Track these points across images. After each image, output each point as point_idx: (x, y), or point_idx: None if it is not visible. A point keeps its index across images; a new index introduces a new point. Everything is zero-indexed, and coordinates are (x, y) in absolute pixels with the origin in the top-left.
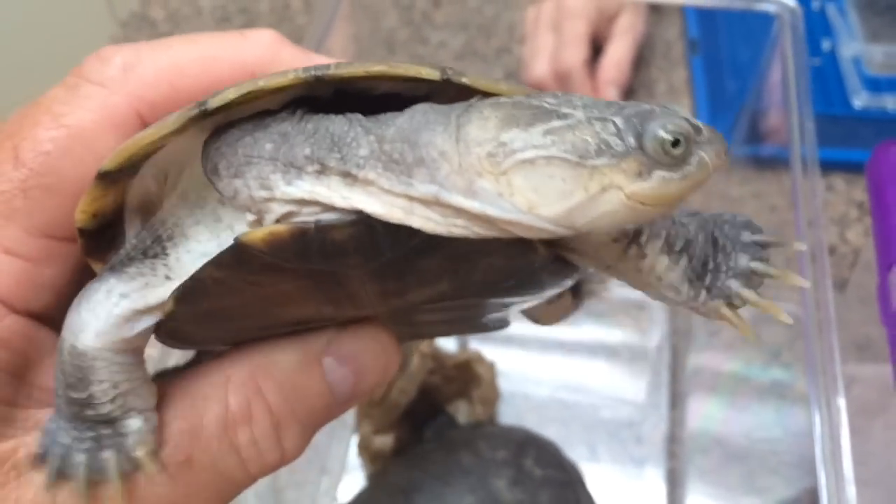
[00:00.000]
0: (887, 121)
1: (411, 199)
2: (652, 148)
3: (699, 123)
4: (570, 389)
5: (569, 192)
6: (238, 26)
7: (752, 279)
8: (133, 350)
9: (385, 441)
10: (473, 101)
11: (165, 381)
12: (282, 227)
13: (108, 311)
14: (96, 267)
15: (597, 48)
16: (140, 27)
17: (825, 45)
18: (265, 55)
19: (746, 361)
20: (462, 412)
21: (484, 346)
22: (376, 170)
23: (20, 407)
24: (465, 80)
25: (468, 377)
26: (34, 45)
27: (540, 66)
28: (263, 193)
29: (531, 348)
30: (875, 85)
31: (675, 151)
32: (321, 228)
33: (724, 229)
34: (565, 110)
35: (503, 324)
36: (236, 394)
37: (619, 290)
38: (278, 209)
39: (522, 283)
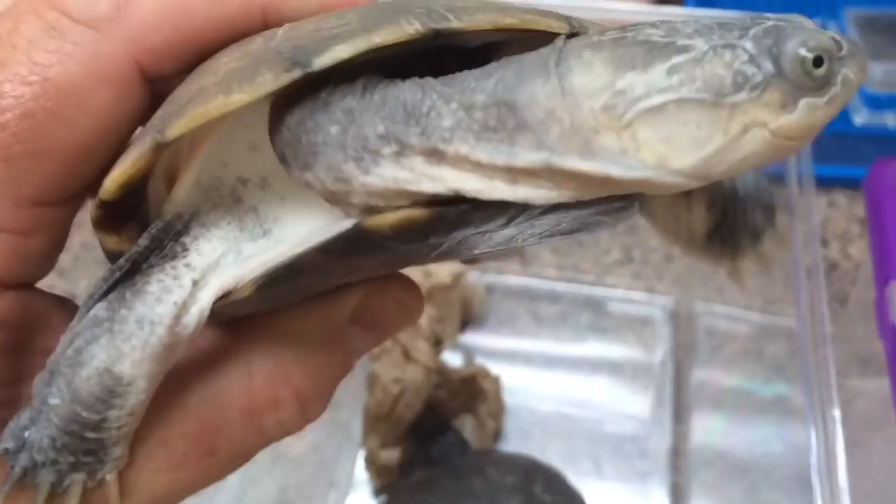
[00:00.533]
0: (888, 138)
1: (514, 170)
2: (793, 71)
3: (837, 35)
4: (574, 404)
5: (706, 137)
6: None
7: (759, 236)
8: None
9: (391, 455)
10: (559, 44)
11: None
12: (419, 213)
13: (143, 342)
14: (104, 239)
15: None
16: None
17: None
18: None
19: (749, 376)
20: (468, 427)
21: (489, 361)
22: (468, 142)
23: (25, 380)
24: (591, 31)
25: (474, 391)
26: None
27: None
28: (340, 186)
29: (536, 363)
30: (875, 103)
31: (820, 72)
32: (463, 212)
33: (748, 185)
34: (682, 42)
35: None
36: (263, 384)
37: (623, 307)
38: (360, 203)
39: (586, 230)
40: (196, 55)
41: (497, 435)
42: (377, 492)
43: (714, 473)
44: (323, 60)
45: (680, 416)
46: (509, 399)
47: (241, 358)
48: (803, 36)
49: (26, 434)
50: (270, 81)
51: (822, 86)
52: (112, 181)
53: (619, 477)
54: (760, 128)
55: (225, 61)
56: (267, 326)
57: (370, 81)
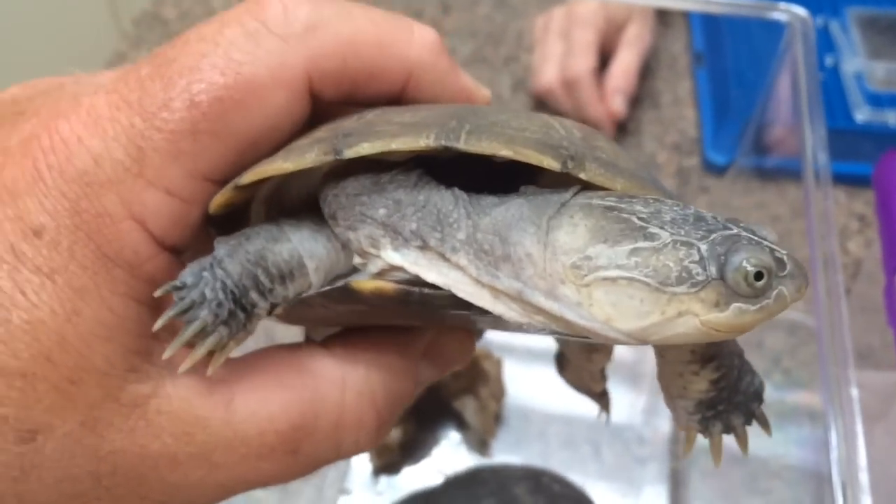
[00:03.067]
0: (888, 135)
1: (496, 290)
2: (733, 279)
3: (783, 255)
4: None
5: (646, 312)
6: None
7: (750, 417)
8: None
9: (393, 435)
10: (568, 198)
11: (278, 350)
12: (388, 286)
13: (325, 255)
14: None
15: (604, 58)
16: (152, 25)
17: (828, 60)
18: (427, 59)
19: None
20: (469, 408)
21: (490, 344)
22: (468, 256)
23: (160, 340)
24: (582, 174)
25: (475, 373)
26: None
27: (549, 73)
28: (372, 251)
29: (536, 348)
30: (877, 100)
31: (757, 284)
32: (424, 295)
33: (745, 377)
34: (653, 229)
35: None
36: (353, 400)
37: None
38: (380, 265)
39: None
40: (347, 90)
41: (498, 418)
42: (377, 471)
43: (712, 461)
44: (350, 153)
45: None
46: (509, 383)
47: (337, 373)
48: (751, 252)
49: (204, 274)
50: (311, 160)
51: (756, 296)
52: (214, 203)
53: (618, 462)
54: (693, 316)
55: (321, 128)
56: (359, 350)
57: (422, 179)
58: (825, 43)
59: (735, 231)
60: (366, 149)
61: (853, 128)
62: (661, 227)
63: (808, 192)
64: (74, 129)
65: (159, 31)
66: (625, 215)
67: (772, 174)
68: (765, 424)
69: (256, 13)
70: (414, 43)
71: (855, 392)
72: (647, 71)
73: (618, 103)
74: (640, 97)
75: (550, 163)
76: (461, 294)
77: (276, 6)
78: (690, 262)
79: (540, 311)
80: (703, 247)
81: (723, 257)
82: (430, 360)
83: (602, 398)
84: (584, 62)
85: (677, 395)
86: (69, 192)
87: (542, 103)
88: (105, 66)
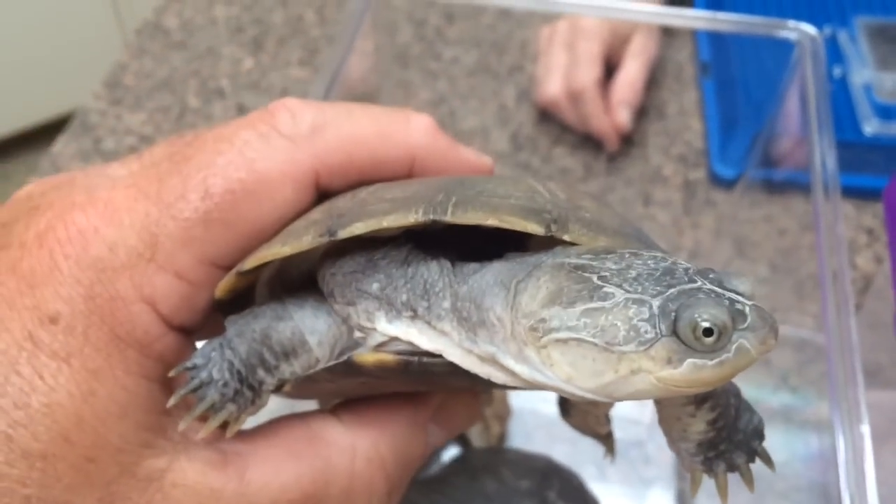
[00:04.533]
0: None
1: (477, 354)
2: (685, 335)
3: (746, 307)
4: None
5: (600, 371)
6: (252, 37)
7: (752, 455)
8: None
9: None
10: (545, 260)
11: (290, 420)
12: (389, 357)
13: (327, 329)
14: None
15: (609, 69)
16: (154, 35)
17: (836, 71)
18: (425, 141)
19: (757, 385)
20: (474, 429)
21: None
22: (452, 323)
23: (172, 416)
24: (566, 236)
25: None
26: (42, 51)
27: (553, 85)
28: (368, 324)
29: None
30: (885, 112)
31: (708, 340)
32: (423, 364)
33: (744, 415)
34: (609, 288)
35: None
36: (363, 467)
37: None
38: (379, 338)
39: None
40: (356, 179)
41: (502, 438)
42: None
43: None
44: (344, 234)
45: None
46: (514, 402)
47: (347, 441)
48: (704, 307)
49: (213, 354)
50: (307, 242)
51: (712, 350)
52: (219, 289)
53: (625, 482)
54: (647, 374)
55: (316, 210)
56: (368, 417)
57: (412, 252)
58: (833, 53)
59: (697, 285)
60: (359, 228)
61: (862, 140)
62: (620, 286)
63: (817, 206)
64: (91, 221)
65: (161, 41)
66: (587, 274)
67: (780, 187)
68: (768, 461)
69: (268, 119)
70: (412, 129)
71: (864, 410)
72: (652, 81)
73: (623, 116)
74: (645, 108)
75: (535, 228)
76: (452, 359)
77: (284, 113)
78: (639, 321)
79: (515, 374)
80: (656, 303)
81: (674, 314)
82: (439, 425)
83: (607, 439)
84: (589, 73)
85: (678, 437)
86: (84, 279)
87: (545, 115)
88: (107, 76)
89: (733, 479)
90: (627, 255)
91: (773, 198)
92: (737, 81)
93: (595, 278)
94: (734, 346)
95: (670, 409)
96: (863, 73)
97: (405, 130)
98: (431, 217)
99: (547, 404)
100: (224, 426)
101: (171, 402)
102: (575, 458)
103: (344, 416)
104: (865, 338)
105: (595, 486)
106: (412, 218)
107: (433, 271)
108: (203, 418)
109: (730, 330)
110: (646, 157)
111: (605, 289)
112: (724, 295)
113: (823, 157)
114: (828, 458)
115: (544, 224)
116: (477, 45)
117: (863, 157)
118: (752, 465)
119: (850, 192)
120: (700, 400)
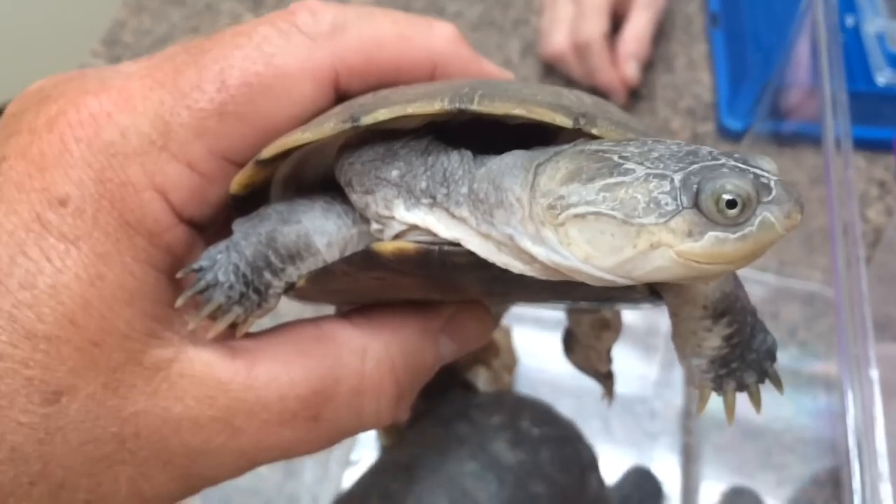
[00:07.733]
0: None
1: (494, 239)
2: (707, 207)
3: (771, 180)
4: None
5: (619, 247)
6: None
7: (763, 376)
8: None
9: None
10: (565, 148)
11: (300, 322)
12: (409, 245)
13: (337, 230)
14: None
15: (616, 21)
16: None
17: (848, 20)
18: (447, 48)
19: None
20: (482, 379)
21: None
22: (468, 209)
23: (178, 310)
24: (594, 130)
25: (487, 344)
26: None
27: (558, 38)
28: (386, 213)
29: (546, 322)
30: None
31: (731, 212)
32: (443, 252)
33: (758, 335)
34: (629, 165)
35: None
36: (373, 368)
37: None
38: (397, 227)
39: (618, 299)
40: (375, 83)
41: (510, 388)
42: (384, 449)
43: (726, 435)
44: (367, 119)
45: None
46: (520, 355)
47: (358, 342)
48: (728, 179)
49: (218, 257)
50: (329, 129)
51: (735, 224)
52: (235, 182)
53: (629, 437)
54: (667, 248)
55: (336, 107)
56: (380, 322)
57: (432, 143)
58: (845, 2)
59: (721, 161)
60: (383, 114)
61: (874, 91)
62: (641, 164)
63: (828, 158)
64: (104, 106)
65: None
66: (608, 155)
67: (789, 140)
68: (777, 383)
69: (287, 17)
70: (434, 35)
71: (874, 363)
72: (660, 34)
73: (631, 69)
74: (653, 61)
75: (563, 119)
76: (470, 247)
77: (305, 11)
78: (660, 193)
79: (533, 258)
80: (678, 177)
81: (696, 186)
82: (450, 336)
83: (607, 380)
84: (595, 26)
85: (691, 353)
86: (94, 163)
87: (551, 69)
88: (106, 33)
89: (739, 429)
90: (650, 141)
91: (782, 150)
92: (746, 32)
93: (616, 157)
94: (758, 220)
95: (687, 323)
96: (876, 21)
97: (427, 36)
98: (458, 105)
99: (552, 360)
100: (233, 327)
101: (179, 302)
102: (580, 412)
103: (356, 319)
104: (875, 291)
105: (600, 441)
106: (437, 105)
107: (453, 160)
108: (212, 318)
109: (754, 202)
110: (654, 110)
111: (625, 165)
112: (748, 169)
113: (834, 108)
114: (836, 411)
115: (572, 117)
116: None
117: (875, 108)
118: (758, 415)
119: (861, 144)
120: (719, 314)
